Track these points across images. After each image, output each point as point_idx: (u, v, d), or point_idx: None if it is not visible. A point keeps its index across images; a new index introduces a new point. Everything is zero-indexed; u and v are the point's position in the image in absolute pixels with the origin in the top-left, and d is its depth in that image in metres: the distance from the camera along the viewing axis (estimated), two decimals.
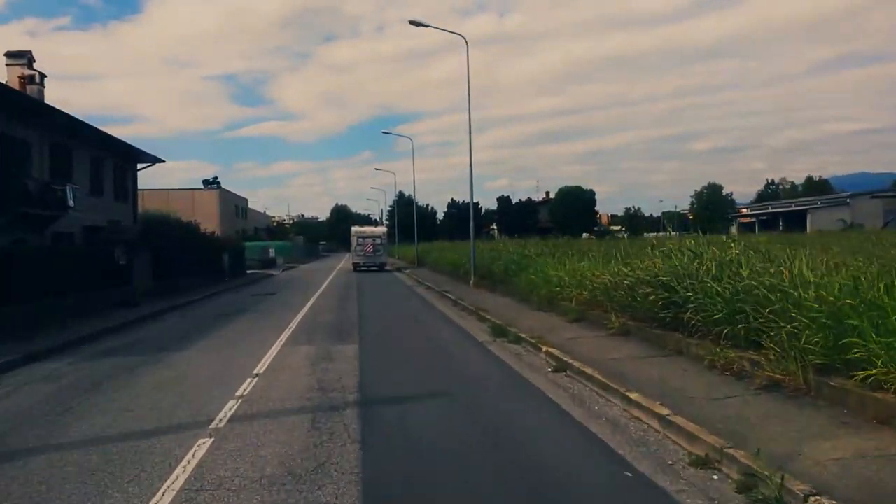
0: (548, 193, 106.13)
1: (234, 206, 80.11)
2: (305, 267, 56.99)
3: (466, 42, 26.03)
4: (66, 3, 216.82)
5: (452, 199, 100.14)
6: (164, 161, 32.82)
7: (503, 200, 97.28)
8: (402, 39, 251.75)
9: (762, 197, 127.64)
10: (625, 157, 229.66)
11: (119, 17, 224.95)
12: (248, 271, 43.00)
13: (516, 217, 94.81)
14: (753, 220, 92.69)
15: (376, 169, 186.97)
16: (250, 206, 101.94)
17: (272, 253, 55.34)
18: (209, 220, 73.26)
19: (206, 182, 71.70)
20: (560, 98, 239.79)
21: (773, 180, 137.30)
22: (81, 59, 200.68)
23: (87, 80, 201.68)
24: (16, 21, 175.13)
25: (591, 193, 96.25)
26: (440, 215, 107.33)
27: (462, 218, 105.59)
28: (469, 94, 26.20)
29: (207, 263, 32.01)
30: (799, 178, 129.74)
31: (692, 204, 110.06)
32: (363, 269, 42.90)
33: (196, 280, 28.83)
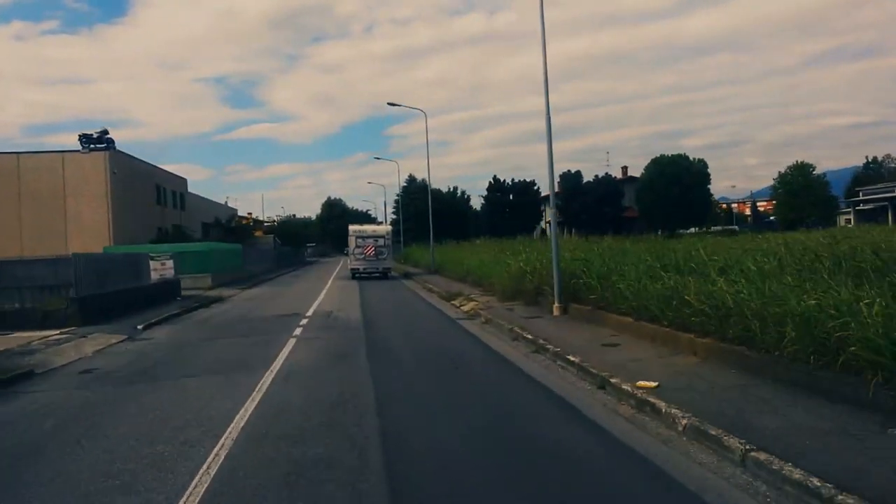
0: (625, 170, 74.97)
1: (155, 187, 48.77)
2: (241, 301, 25.58)
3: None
4: (52, 6, 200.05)
5: (495, 178, 68.59)
6: None
7: (569, 179, 65.91)
8: (392, 39, 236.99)
9: (859, 180, 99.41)
10: (619, 155, 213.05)
11: (105, 20, 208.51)
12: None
13: (590, 203, 63.74)
14: (883, 204, 66.74)
15: (376, 158, 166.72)
16: (212, 197, 70.42)
17: (167, 270, 24.10)
18: (90, 208, 42.10)
19: (85, 139, 40.33)
20: (552, 96, 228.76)
21: (874, 158, 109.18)
22: (71, 62, 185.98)
23: (77, 83, 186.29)
24: (3, 25, 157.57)
25: (702, 166, 65.01)
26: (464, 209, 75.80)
27: (513, 206, 74.32)
28: None
29: None
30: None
31: (775, 189, 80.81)
32: (363, 275, 34.43)
33: None
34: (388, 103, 35.91)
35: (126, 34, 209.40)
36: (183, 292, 26.03)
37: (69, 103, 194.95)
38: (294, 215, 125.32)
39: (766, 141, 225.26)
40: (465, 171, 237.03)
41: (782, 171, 75.05)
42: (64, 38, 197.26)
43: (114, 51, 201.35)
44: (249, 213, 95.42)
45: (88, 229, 39.35)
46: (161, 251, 24.99)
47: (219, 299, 24.64)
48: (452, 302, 19.75)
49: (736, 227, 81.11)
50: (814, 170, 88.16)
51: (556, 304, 13.82)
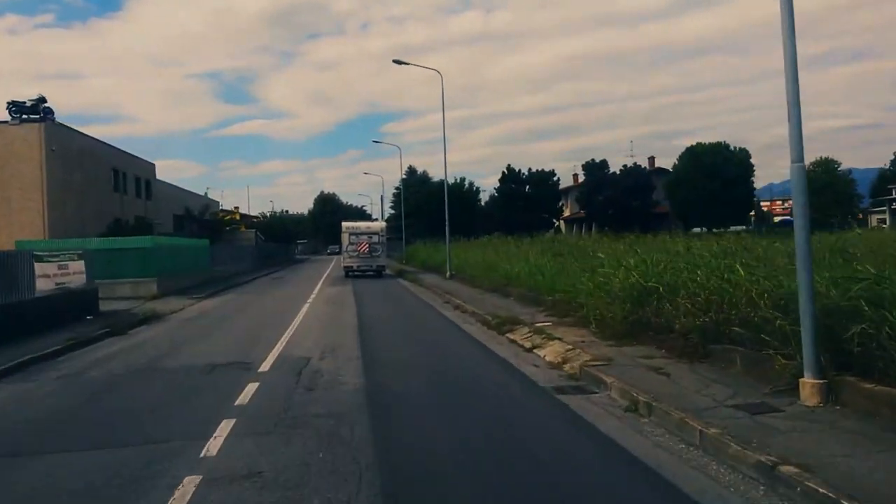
0: (652, 160, 67.05)
1: (112, 171, 40.78)
2: (180, 323, 17.77)
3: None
4: (46, 0, 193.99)
5: (510, 168, 60.70)
6: None
7: (593, 169, 58.13)
8: (388, 37, 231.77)
9: (886, 177, 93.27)
10: (613, 155, 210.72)
11: (100, 14, 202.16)
12: None
13: (618, 196, 56.04)
14: None
15: (374, 142, 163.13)
16: (194, 190, 62.18)
17: (72, 277, 16.22)
18: (21, 192, 33.90)
19: (15, 108, 32.42)
20: (547, 95, 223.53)
21: None
22: (65, 57, 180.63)
23: (71, 78, 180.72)
24: None
25: (744, 154, 57.31)
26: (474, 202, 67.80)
27: (528, 198, 65.40)
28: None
29: None
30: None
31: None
32: (356, 273, 33.78)
33: None
34: (394, 61, 32.00)
35: (121, 29, 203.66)
36: (110, 305, 18.32)
37: (63, 100, 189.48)
38: (287, 211, 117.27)
39: (762, 143, 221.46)
40: (463, 169, 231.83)
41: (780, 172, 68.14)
42: (58, 31, 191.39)
43: (108, 46, 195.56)
44: (236, 207, 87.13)
45: (20, 218, 31.54)
46: (66, 247, 17.09)
47: (151, 318, 16.83)
48: (510, 336, 12.02)
49: (743, 226, 74.64)
50: (839, 166, 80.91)
51: (808, 380, 6.07)
